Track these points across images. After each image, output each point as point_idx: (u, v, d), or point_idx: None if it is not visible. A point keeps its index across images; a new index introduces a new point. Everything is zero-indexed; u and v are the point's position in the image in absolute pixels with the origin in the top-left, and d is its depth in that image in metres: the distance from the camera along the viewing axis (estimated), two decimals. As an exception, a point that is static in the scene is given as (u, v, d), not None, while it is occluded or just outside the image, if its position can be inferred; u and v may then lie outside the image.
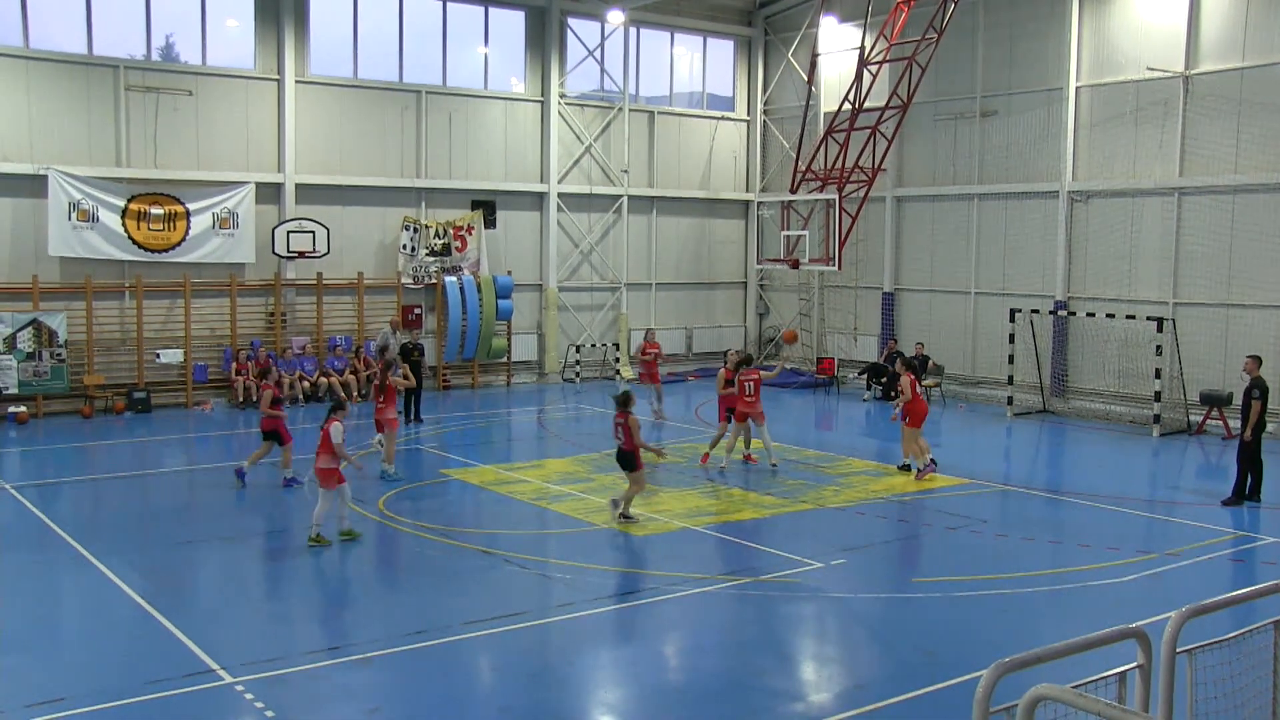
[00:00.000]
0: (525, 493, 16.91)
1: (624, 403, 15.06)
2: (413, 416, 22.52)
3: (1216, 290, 23.34)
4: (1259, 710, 6.14)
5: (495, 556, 13.43)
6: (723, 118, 32.99)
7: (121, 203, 23.64)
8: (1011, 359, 25.37)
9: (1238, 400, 17.97)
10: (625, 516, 14.89)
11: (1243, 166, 22.82)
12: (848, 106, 26.91)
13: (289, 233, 25.35)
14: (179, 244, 24.35)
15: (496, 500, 16.55)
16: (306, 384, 25.19)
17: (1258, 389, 16.46)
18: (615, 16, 29.33)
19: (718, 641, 10.95)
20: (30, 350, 22.76)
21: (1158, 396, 22.71)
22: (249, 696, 9.10)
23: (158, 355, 24.40)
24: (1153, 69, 23.77)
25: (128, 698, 9.01)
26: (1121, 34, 24.79)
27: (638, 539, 14.35)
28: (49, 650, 10.26)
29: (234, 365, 24.76)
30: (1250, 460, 16.41)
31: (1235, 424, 18.61)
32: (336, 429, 13.66)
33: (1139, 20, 24.50)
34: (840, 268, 27.50)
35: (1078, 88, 25.53)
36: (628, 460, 14.99)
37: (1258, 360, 16.93)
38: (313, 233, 25.52)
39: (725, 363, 19.46)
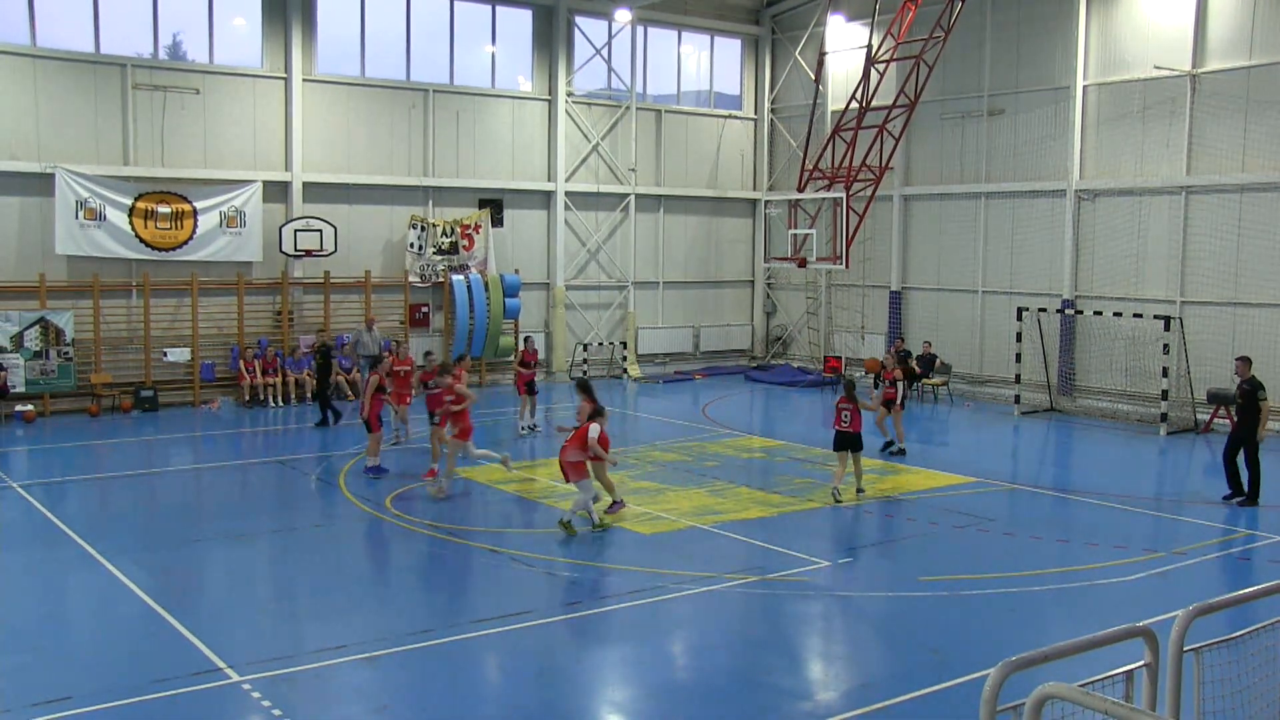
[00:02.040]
0: (533, 491, 16.93)
1: (852, 388, 16.76)
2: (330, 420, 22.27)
3: (1224, 289, 23.30)
4: (1266, 708, 6.13)
5: (503, 555, 13.45)
6: (730, 116, 32.98)
7: (129, 201, 23.69)
8: (1019, 357, 25.34)
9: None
10: (860, 490, 16.56)
11: (1250, 165, 22.78)
12: (855, 105, 26.88)
13: (296, 231, 25.39)
14: (186, 242, 24.40)
15: (504, 499, 16.57)
16: (315, 382, 25.21)
17: (1261, 388, 16.38)
18: (622, 15, 29.32)
19: (725, 640, 10.94)
20: (37, 349, 22.82)
21: (1165, 395, 22.68)
22: (256, 695, 9.11)
23: (165, 354, 24.47)
24: (1160, 67, 23.72)
25: (134, 696, 9.02)
26: (1129, 33, 24.74)
27: (645, 537, 14.35)
28: (55, 648, 10.28)
29: (241, 364, 24.82)
30: (1248, 460, 16.32)
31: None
32: (595, 428, 14.43)
33: (1146, 19, 24.46)
34: (847, 266, 27.47)
35: (1085, 86, 25.50)
36: (857, 441, 16.40)
37: (1248, 361, 16.80)
38: (320, 231, 25.55)
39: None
